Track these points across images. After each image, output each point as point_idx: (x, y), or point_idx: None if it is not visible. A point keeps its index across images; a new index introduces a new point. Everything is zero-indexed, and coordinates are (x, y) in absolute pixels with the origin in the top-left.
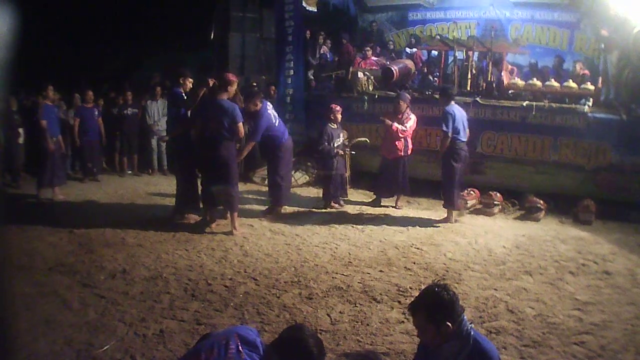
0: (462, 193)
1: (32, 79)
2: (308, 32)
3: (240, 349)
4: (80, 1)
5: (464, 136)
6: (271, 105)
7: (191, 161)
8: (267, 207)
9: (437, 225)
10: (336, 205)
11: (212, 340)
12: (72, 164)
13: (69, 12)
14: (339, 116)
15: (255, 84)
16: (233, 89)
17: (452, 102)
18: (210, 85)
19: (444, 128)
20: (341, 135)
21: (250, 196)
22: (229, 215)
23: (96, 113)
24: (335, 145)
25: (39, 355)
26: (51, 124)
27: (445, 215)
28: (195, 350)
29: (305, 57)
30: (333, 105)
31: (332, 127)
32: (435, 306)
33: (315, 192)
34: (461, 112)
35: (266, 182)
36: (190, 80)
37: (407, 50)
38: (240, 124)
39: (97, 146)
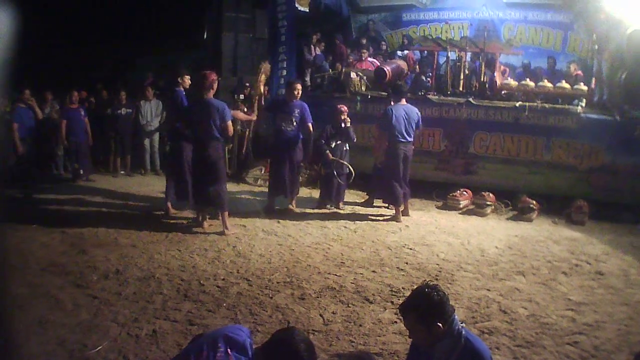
0: (454, 194)
1: (25, 79)
2: (314, 37)
3: (229, 352)
4: (74, 2)
5: (403, 136)
6: None
7: (182, 158)
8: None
9: (382, 221)
10: (331, 207)
11: (202, 342)
12: (64, 165)
13: (63, 12)
14: (342, 117)
15: (248, 85)
16: (215, 85)
17: (403, 100)
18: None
19: (381, 127)
20: (348, 134)
21: (243, 196)
22: (220, 215)
23: (82, 113)
24: (334, 145)
25: (32, 356)
26: (23, 126)
27: (393, 213)
28: (185, 351)
29: (298, 58)
30: (339, 106)
31: (336, 127)
32: (425, 307)
33: (307, 192)
34: (406, 112)
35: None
36: (188, 77)
37: (399, 53)
38: (230, 123)
39: (85, 147)
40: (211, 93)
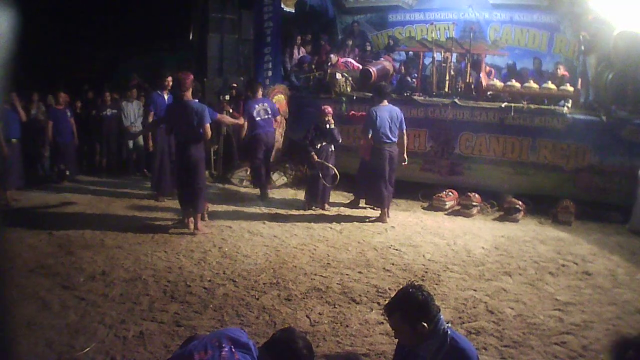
0: (440, 194)
1: (12, 80)
2: (298, 38)
3: (234, 350)
4: (59, 2)
5: (388, 137)
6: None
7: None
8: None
9: (368, 222)
10: (317, 209)
11: (205, 342)
12: (50, 166)
13: (48, 13)
14: (327, 118)
15: (235, 85)
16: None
17: (385, 102)
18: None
19: (365, 128)
20: (333, 135)
21: (228, 197)
22: (206, 215)
23: (69, 114)
24: (319, 147)
25: (20, 358)
26: (9, 126)
27: (379, 214)
28: (187, 351)
29: (283, 59)
30: (324, 107)
31: (321, 128)
32: (409, 307)
33: (293, 193)
34: (389, 113)
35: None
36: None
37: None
38: (207, 126)
39: (71, 147)
40: (189, 94)
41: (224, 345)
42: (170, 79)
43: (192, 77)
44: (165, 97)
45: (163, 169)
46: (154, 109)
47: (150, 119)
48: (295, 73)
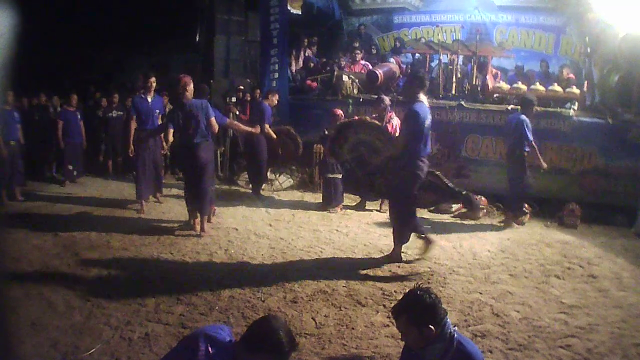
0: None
1: (16, 81)
2: (306, 40)
3: (210, 350)
4: (66, 3)
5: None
6: None
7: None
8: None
9: (374, 224)
10: (338, 210)
11: (184, 343)
12: (56, 167)
13: (55, 14)
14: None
15: (241, 87)
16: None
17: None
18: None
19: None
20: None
21: (235, 199)
22: (212, 217)
23: (79, 117)
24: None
25: (25, 358)
26: (8, 128)
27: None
28: (170, 354)
29: (290, 61)
30: (334, 110)
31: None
32: (417, 309)
33: (299, 195)
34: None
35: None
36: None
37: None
38: (213, 119)
39: (80, 149)
40: (189, 94)
41: (200, 346)
42: (153, 79)
43: (187, 78)
44: (149, 99)
45: (142, 174)
46: (135, 114)
47: (133, 125)
48: (301, 75)
